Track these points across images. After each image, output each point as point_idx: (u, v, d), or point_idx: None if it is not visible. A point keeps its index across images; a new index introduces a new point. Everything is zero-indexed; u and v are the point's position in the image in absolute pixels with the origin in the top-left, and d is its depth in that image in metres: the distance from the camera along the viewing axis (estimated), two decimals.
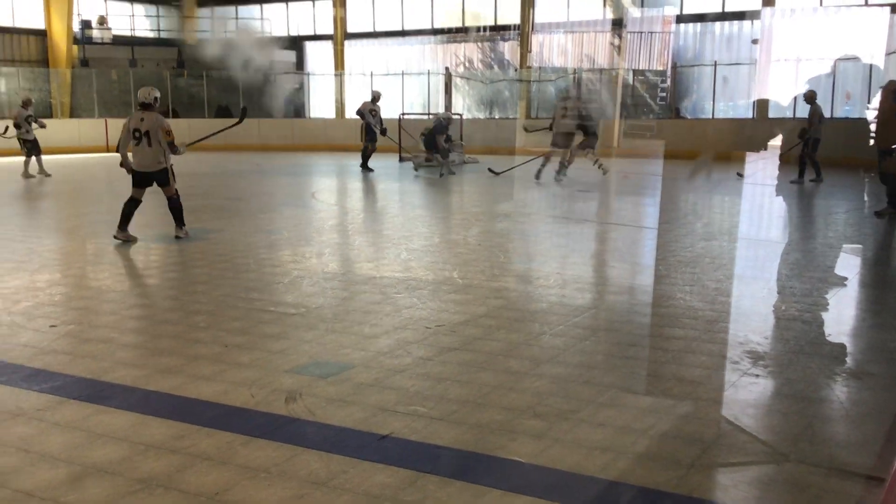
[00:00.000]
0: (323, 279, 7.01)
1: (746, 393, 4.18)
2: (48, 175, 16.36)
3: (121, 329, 5.41)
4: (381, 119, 18.31)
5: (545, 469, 3.30)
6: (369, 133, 18.13)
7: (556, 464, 3.33)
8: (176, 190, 8.80)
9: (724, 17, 23.51)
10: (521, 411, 3.87)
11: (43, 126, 16.64)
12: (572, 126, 14.87)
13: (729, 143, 20.32)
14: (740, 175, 16.56)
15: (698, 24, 24.18)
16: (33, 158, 16.37)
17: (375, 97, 18.46)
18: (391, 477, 3.20)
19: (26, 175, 16.26)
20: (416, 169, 17.98)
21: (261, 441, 3.55)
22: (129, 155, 8.67)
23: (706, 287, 6.55)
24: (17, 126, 16.48)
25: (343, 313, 5.76)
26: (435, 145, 17.47)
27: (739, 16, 23.19)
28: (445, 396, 4.07)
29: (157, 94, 8.78)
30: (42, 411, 3.90)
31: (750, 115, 22.62)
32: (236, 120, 9.53)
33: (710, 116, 22.69)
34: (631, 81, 24.46)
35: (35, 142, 16.42)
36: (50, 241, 9.25)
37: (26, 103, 16.85)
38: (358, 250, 8.83)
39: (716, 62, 22.58)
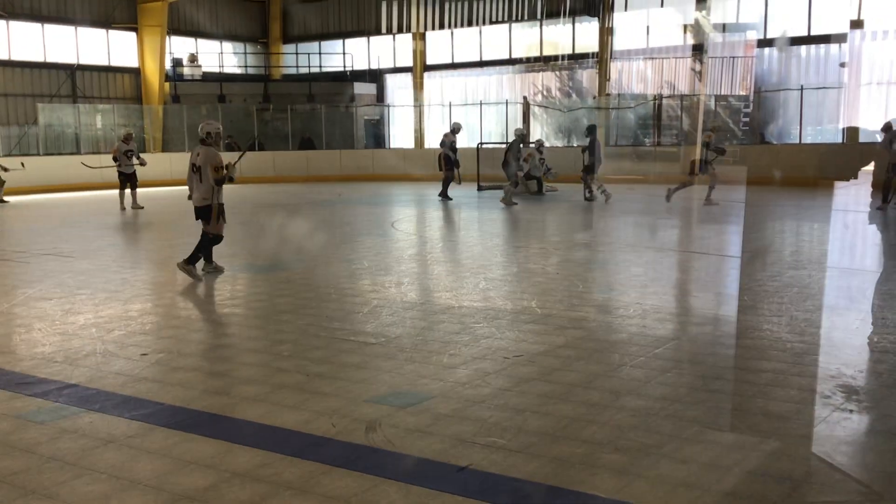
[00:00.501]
0: (402, 308, 7.07)
1: (838, 429, 4.03)
2: (141, 207, 17.00)
3: (208, 358, 5.56)
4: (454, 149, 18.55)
5: None
6: (448, 163, 18.31)
7: (638, 500, 3.27)
8: (218, 234, 8.58)
9: (809, 40, 22.96)
10: (601, 445, 3.82)
11: (143, 163, 17.27)
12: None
13: (817, 169, 19.71)
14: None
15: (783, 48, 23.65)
16: (127, 191, 17.01)
17: (455, 129, 18.66)
18: None
19: (122, 207, 16.92)
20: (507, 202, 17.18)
21: (341, 471, 3.59)
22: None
23: (794, 318, 6.35)
24: (115, 159, 17.15)
25: (422, 343, 5.80)
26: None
27: (825, 39, 22.60)
28: (524, 428, 4.05)
29: (212, 130, 8.52)
30: (132, 438, 4.04)
31: (839, 141, 21.93)
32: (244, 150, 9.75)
33: (798, 142, 22.09)
34: (713, 107, 24.04)
35: (132, 175, 17.06)
36: (142, 272, 9.60)
37: (127, 138, 17.50)
38: (436, 280, 8.88)
39: (802, 86, 22.01)
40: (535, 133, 26.24)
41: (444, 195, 18.23)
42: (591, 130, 17.51)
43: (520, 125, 24.03)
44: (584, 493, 3.33)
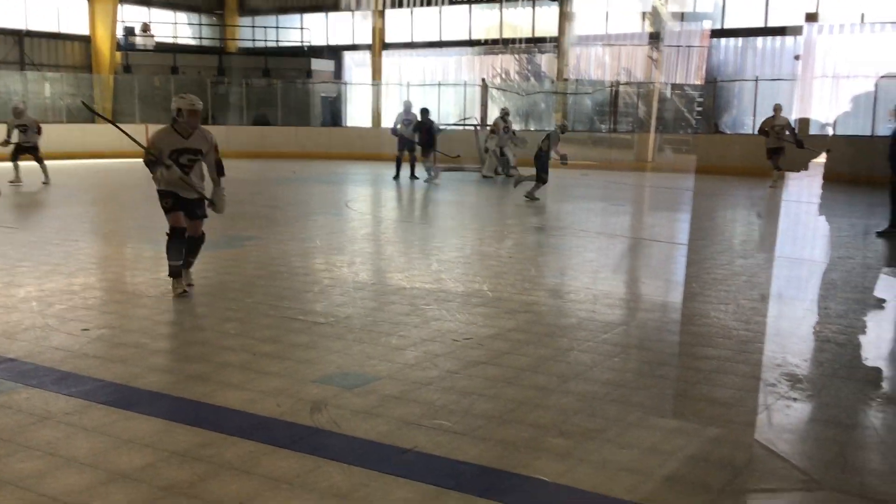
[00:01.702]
0: (353, 288, 7.01)
1: (781, 417, 4.09)
2: (19, 182, 15.42)
3: (153, 334, 5.45)
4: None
5: (570, 489, 3.25)
6: (405, 143, 18.16)
7: (581, 484, 3.28)
8: (170, 228, 6.55)
9: (766, 32, 23.24)
10: (546, 429, 3.82)
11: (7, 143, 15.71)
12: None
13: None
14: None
15: (739, 39, 23.92)
16: (22, 165, 15.60)
17: (407, 107, 18.54)
18: (413, 492, 3.17)
19: (15, 180, 15.41)
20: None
21: (284, 451, 3.54)
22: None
23: (741, 306, 6.44)
24: (6, 141, 15.63)
25: (371, 324, 5.75)
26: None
27: (781, 31, 22.91)
28: (471, 411, 4.04)
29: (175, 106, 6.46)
30: (70, 415, 3.94)
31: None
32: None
33: (751, 132, 22.41)
34: (669, 95, 24.26)
35: (32, 148, 15.71)
36: (86, 245, 9.37)
37: (17, 111, 15.79)
38: (388, 260, 8.83)
39: (757, 77, 22.30)
40: (493, 116, 26.23)
41: (411, 175, 18.07)
42: (424, 113, 17.88)
43: (478, 114, 23.82)
44: (529, 476, 3.33)
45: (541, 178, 13.96)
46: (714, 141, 22.32)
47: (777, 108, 17.15)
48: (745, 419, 4.07)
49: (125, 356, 4.91)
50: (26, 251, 8.46)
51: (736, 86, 23.60)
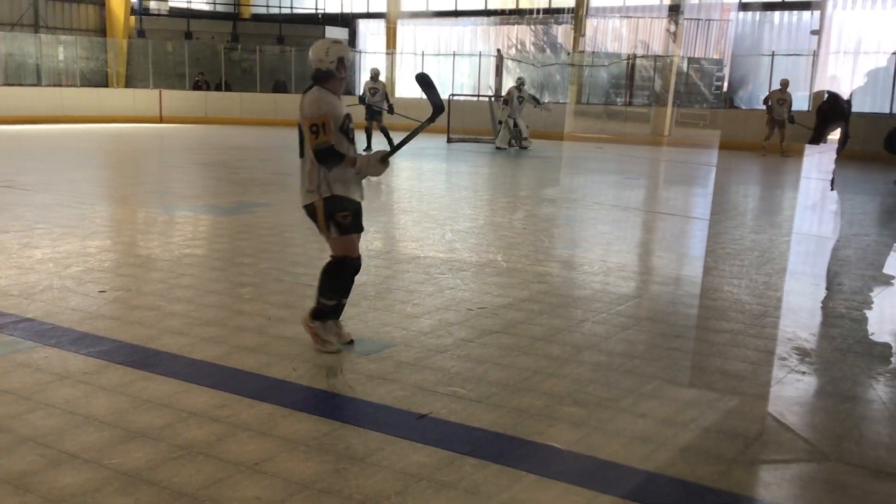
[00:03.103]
0: (368, 256, 7.00)
1: (791, 390, 4.11)
2: None
3: (168, 297, 5.49)
4: (385, 96, 17.16)
5: (583, 457, 3.27)
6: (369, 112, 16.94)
7: (594, 452, 3.31)
8: (345, 256, 4.43)
9: (783, 6, 22.95)
10: (560, 398, 3.85)
11: None
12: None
13: (786, 135, 19.86)
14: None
15: (757, 13, 23.63)
16: None
17: (374, 75, 17.46)
18: (428, 457, 3.21)
19: None
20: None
21: (301, 414, 3.58)
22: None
23: (754, 281, 6.43)
24: None
25: (386, 292, 5.78)
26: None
27: (799, 6, 22.62)
28: (485, 379, 4.06)
29: (335, 53, 4.50)
30: (88, 374, 3.98)
31: (806, 108, 22.09)
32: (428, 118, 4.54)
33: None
34: (686, 69, 24.04)
35: None
36: (102, 209, 9.42)
37: None
38: (403, 229, 8.84)
39: (773, 52, 22.06)
40: (507, 86, 26.08)
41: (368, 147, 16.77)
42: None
43: (493, 85, 23.68)
44: (542, 443, 3.36)
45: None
46: (730, 116, 22.14)
47: (784, 83, 17.40)
48: (757, 391, 4.09)
49: (141, 318, 4.96)
50: (42, 213, 8.50)
51: (752, 60, 23.35)
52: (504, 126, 18.83)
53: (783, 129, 18.19)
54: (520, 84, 18.96)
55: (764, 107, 18.92)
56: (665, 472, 3.17)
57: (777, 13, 23.31)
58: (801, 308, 5.81)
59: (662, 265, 7.32)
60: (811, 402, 4.07)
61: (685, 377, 4.29)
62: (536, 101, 18.77)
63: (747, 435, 3.53)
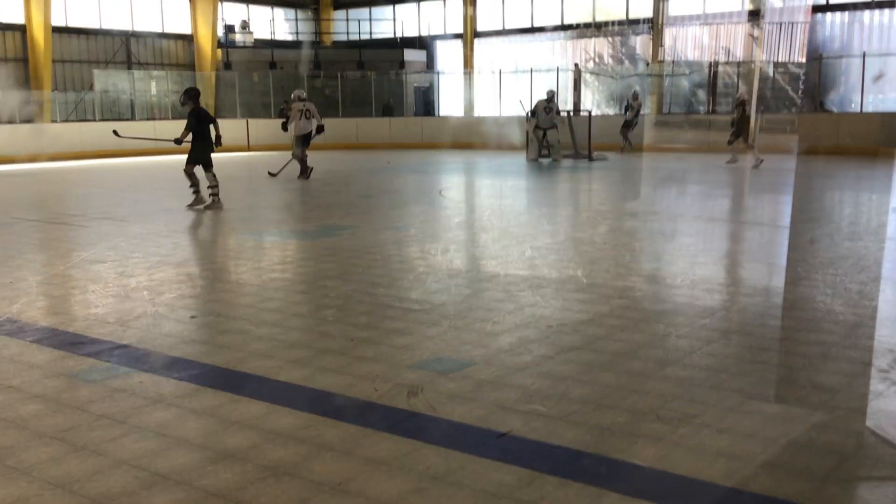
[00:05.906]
0: (447, 276, 7.08)
1: (893, 403, 3.94)
2: None
3: (255, 321, 5.64)
4: (317, 115, 15.93)
5: (666, 474, 3.21)
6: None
7: (678, 469, 3.24)
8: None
9: (873, 5, 22.16)
10: (643, 414, 3.78)
11: None
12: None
13: (878, 139, 19.11)
14: None
15: (846, 14, 22.89)
16: None
17: (299, 96, 16.11)
18: (509, 475, 3.20)
19: None
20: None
21: (383, 434, 3.62)
22: None
23: (848, 290, 6.20)
24: None
25: (466, 310, 5.80)
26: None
27: (890, 4, 21.80)
28: (566, 396, 4.03)
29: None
30: (180, 398, 4.12)
31: None
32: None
33: (859, 110, 21.44)
34: (771, 74, 23.44)
35: None
36: (193, 237, 9.75)
37: None
38: (482, 248, 8.87)
39: (864, 53, 21.30)
40: (587, 102, 25.93)
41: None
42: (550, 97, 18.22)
43: (571, 100, 23.76)
44: (624, 461, 3.31)
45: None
46: (820, 120, 21.45)
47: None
48: (854, 405, 3.93)
49: (230, 342, 5.11)
50: (137, 243, 8.86)
51: (843, 62, 22.59)
52: (532, 139, 18.91)
53: None
54: (550, 97, 19.02)
55: None
56: (751, 488, 3.08)
57: (867, 12, 22.53)
58: None
59: (749, 276, 7.13)
60: None
61: (774, 391, 4.16)
62: (557, 114, 18.99)
63: (843, 451, 3.40)
